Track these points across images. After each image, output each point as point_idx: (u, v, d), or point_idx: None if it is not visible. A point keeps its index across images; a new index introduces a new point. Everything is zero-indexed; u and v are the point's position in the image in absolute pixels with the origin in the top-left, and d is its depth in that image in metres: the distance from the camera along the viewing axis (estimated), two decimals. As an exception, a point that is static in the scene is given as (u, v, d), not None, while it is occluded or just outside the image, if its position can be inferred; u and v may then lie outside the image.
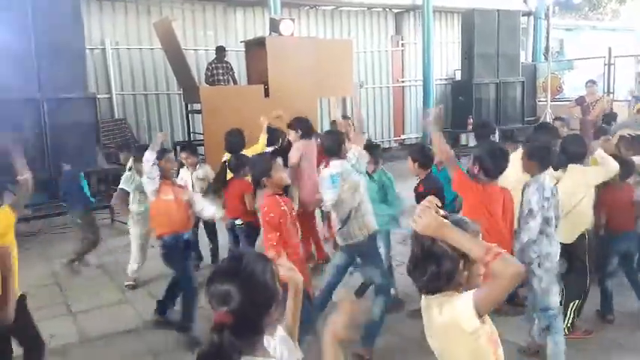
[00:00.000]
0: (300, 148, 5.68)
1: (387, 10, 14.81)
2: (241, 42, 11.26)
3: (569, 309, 4.22)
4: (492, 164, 3.51)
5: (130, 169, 5.70)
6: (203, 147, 9.06)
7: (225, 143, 5.69)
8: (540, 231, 3.61)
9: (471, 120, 12.45)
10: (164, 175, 4.55)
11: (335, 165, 4.11)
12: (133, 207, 5.66)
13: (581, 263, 4.22)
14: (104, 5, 11.20)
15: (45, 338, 3.64)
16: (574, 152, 4.25)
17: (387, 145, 14.73)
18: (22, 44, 7.51)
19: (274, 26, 9.96)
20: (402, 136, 15.26)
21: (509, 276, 1.69)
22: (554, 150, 4.03)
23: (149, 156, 4.52)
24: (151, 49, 11.45)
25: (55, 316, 4.96)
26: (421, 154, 4.52)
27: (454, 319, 1.82)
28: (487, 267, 1.72)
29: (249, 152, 5.75)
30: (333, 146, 4.19)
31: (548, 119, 10.03)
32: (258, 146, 6.06)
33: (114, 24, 11.32)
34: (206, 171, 5.94)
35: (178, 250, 4.49)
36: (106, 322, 4.91)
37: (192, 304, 4.44)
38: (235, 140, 5.65)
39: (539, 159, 3.69)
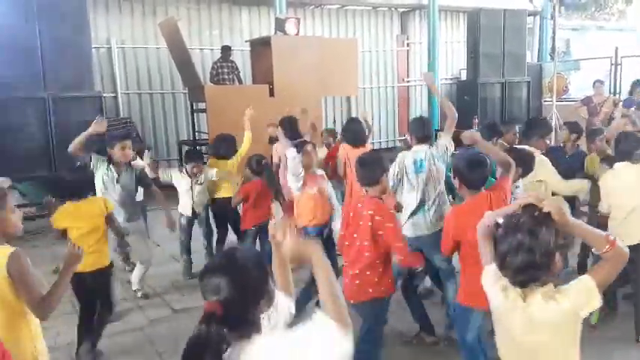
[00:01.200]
0: (279, 150, 5.78)
1: (393, 9, 14.79)
2: (246, 41, 11.26)
3: None
4: (472, 176, 3.30)
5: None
6: (207, 146, 9.08)
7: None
8: None
9: (477, 120, 12.41)
10: (306, 168, 4.52)
11: (420, 149, 4.16)
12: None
13: None
14: (110, 4, 11.22)
15: (51, 337, 3.67)
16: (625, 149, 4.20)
17: (391, 145, 14.72)
18: (28, 43, 7.54)
19: (280, 25, 9.96)
20: (407, 136, 15.20)
21: (623, 260, 1.98)
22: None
23: (293, 153, 4.45)
24: (157, 48, 11.47)
25: (61, 315, 4.97)
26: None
27: (574, 306, 1.96)
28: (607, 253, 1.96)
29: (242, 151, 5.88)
30: (422, 131, 4.27)
31: (554, 120, 9.97)
32: (245, 145, 6.10)
33: (120, 23, 11.35)
34: (212, 174, 5.83)
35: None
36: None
37: None
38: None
39: (525, 167, 3.79)
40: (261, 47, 10.16)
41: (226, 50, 10.71)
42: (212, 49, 12.02)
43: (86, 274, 3.85)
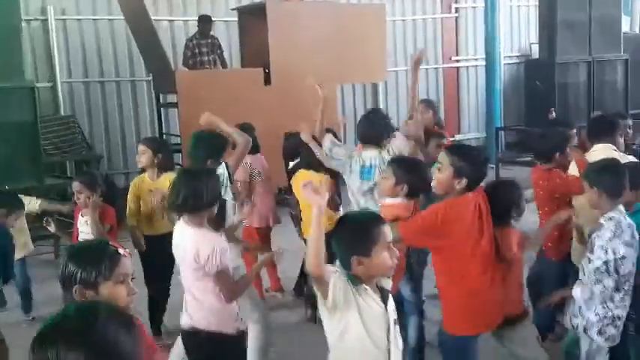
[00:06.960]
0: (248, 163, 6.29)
1: (435, -38, 14.95)
2: (232, 9, 11.44)
3: None
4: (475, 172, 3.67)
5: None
6: (180, 153, 9.20)
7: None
8: (616, 287, 3.69)
9: (553, 113, 12.42)
10: None
11: (371, 155, 4.84)
12: None
13: None
14: (46, -39, 11.46)
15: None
16: None
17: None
18: None
19: (278, -14, 10.14)
20: (458, 136, 15.20)
21: None
22: None
23: None
24: (110, 19, 11.66)
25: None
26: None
27: None
28: None
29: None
30: (369, 132, 4.92)
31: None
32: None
33: (59, -14, 11.57)
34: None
35: None
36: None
37: None
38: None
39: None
40: (252, 17, 10.33)
41: (205, 22, 10.86)
42: (186, 21, 12.19)
43: None
